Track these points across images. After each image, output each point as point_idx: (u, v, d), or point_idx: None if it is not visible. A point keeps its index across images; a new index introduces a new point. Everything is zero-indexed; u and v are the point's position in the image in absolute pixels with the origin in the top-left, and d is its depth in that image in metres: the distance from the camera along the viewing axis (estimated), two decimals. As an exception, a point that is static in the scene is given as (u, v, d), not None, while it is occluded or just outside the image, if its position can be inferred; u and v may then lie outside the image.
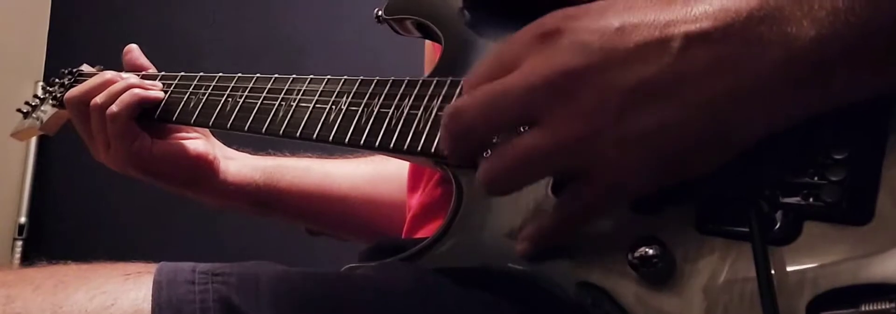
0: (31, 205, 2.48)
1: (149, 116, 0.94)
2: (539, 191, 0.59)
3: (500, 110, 0.51)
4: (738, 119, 0.48)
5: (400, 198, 0.95)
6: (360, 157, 1.06)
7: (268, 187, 1.01)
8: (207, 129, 1.01)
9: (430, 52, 0.94)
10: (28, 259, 2.44)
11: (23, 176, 2.48)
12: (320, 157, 1.05)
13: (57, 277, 0.58)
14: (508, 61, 0.52)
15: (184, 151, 0.97)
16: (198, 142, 0.99)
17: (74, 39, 2.57)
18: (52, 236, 2.48)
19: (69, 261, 0.62)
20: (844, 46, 0.45)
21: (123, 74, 0.99)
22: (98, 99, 0.95)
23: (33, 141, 2.49)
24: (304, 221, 1.05)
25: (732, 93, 0.47)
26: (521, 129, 0.52)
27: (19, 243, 2.44)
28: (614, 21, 0.50)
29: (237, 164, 1.01)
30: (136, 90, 0.94)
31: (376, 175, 1.03)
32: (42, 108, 1.10)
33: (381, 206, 1.01)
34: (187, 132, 1.00)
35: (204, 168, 0.98)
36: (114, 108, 0.93)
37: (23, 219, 2.46)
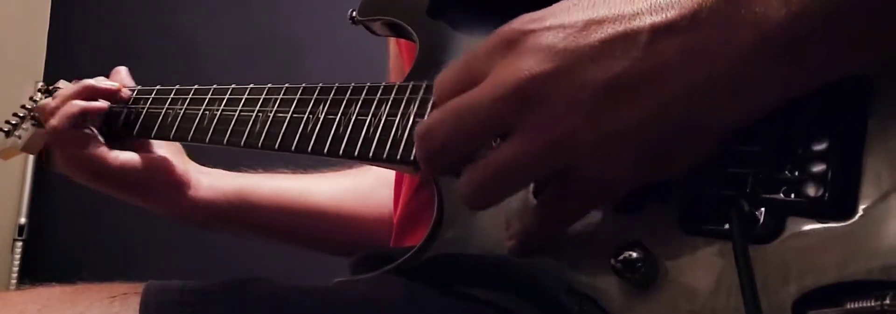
0: (31, 206, 2.48)
1: (128, 132, 0.94)
2: (521, 193, 0.58)
3: (471, 124, 0.50)
4: (715, 106, 0.47)
5: (379, 211, 0.95)
6: (336, 171, 1.05)
7: (241, 202, 0.99)
8: (180, 146, 1.01)
9: (395, 48, 0.93)
10: (28, 259, 2.45)
11: (23, 176, 2.48)
12: (295, 172, 1.04)
13: (41, 301, 0.58)
14: (475, 72, 0.51)
15: (149, 162, 0.96)
16: (166, 155, 0.98)
17: (74, 39, 2.56)
18: (52, 236, 2.49)
19: (54, 283, 0.62)
20: (818, 21, 0.44)
21: (88, 81, 0.98)
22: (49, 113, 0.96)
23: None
24: (279, 237, 1.04)
25: (707, 80, 0.46)
26: (494, 142, 0.51)
27: (19, 243, 2.45)
28: (577, 19, 0.49)
29: (209, 179, 1.00)
30: (75, 102, 0.94)
31: (354, 189, 1.02)
32: (23, 126, 1.08)
33: (360, 220, 1.00)
34: (158, 147, 0.99)
35: (172, 180, 0.97)
36: (53, 121, 0.94)
37: (23, 220, 2.46)
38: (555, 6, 0.51)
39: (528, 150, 0.49)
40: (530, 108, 0.48)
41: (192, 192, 0.97)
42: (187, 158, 1.01)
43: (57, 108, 0.95)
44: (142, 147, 0.98)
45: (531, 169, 0.50)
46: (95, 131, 0.95)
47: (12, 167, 2.47)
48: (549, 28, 0.49)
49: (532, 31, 0.50)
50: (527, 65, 0.48)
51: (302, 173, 1.04)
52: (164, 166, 0.96)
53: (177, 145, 1.00)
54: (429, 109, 0.64)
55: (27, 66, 2.48)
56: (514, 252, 0.56)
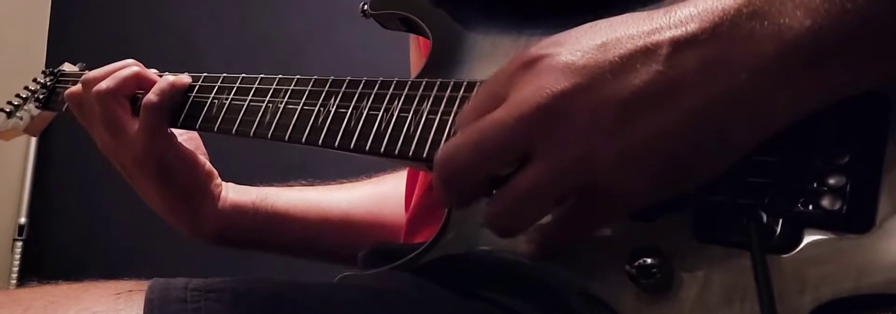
0: (31, 206, 2.48)
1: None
2: None
3: (494, 146, 0.49)
4: (736, 119, 0.46)
5: (402, 215, 0.92)
6: (354, 181, 1.03)
7: (265, 210, 0.95)
8: (205, 152, 0.95)
9: (415, 42, 0.92)
10: (28, 259, 2.45)
11: (23, 176, 2.49)
12: (311, 183, 1.02)
13: (47, 298, 0.58)
14: (496, 94, 0.51)
15: (198, 163, 0.92)
16: (206, 158, 0.94)
17: (74, 39, 2.57)
18: (52, 236, 2.49)
19: (60, 280, 0.62)
20: (841, 34, 0.44)
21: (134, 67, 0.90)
22: (114, 85, 0.87)
23: (33, 141, 2.49)
24: (304, 245, 0.99)
25: (728, 93, 0.46)
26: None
27: (19, 243, 2.44)
28: (596, 39, 0.49)
29: (232, 189, 0.96)
30: (168, 76, 0.87)
31: (375, 194, 1.00)
32: (25, 107, 1.08)
33: (385, 225, 0.98)
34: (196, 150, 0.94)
35: (210, 184, 0.92)
36: (152, 96, 0.84)
37: (23, 220, 2.46)
38: (573, 30, 0.51)
39: (551, 172, 0.48)
40: (552, 125, 0.48)
41: (220, 202, 0.93)
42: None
43: (151, 81, 0.87)
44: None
45: (556, 189, 0.49)
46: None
47: (12, 167, 2.48)
48: (567, 49, 0.49)
49: (552, 52, 0.49)
50: (547, 82, 0.48)
51: (319, 184, 1.02)
52: (207, 167, 0.92)
53: (203, 150, 0.95)
54: (442, 107, 0.63)
55: (27, 65, 2.48)
56: (530, 256, 0.55)
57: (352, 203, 0.99)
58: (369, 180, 1.03)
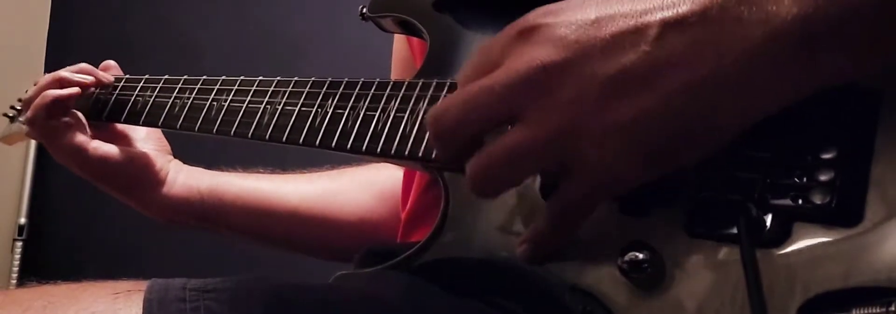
0: (31, 206, 2.48)
1: (115, 118, 0.95)
2: (527, 191, 0.58)
3: (481, 108, 0.51)
4: (721, 101, 0.47)
5: (355, 213, 0.95)
6: (315, 171, 1.04)
7: (212, 200, 0.99)
8: (166, 144, 1.02)
9: (403, 44, 0.93)
10: (28, 259, 2.44)
11: (23, 176, 2.48)
12: (273, 171, 1.04)
13: (46, 298, 0.58)
14: (491, 60, 0.52)
15: (127, 157, 0.96)
16: (148, 151, 0.99)
17: (74, 39, 2.56)
18: (52, 236, 2.49)
19: (59, 280, 0.62)
20: (830, 21, 0.45)
21: (61, 72, 0.98)
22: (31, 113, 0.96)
23: (33, 142, 2.49)
24: (250, 236, 1.03)
25: (713, 75, 0.46)
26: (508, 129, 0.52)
27: (19, 244, 2.44)
28: (591, 14, 0.50)
29: (184, 177, 1.00)
30: (48, 92, 0.95)
31: (328, 190, 1.02)
32: (27, 112, 1.09)
33: (333, 222, 1.00)
34: (143, 143, 1.00)
35: (147, 176, 0.97)
36: (29, 112, 0.96)
37: (23, 220, 2.46)
38: (570, 1, 0.52)
39: (534, 136, 0.49)
40: (539, 95, 0.49)
41: (165, 189, 0.98)
42: (171, 156, 1.02)
43: (31, 99, 0.96)
44: (125, 141, 0.99)
45: (536, 155, 0.50)
46: (83, 119, 0.95)
47: (12, 167, 2.48)
48: (562, 21, 0.50)
49: (547, 23, 0.50)
50: (539, 54, 0.49)
51: (280, 173, 1.04)
52: (142, 161, 0.97)
53: (163, 143, 1.01)
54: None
55: (27, 65, 2.48)
56: (526, 257, 0.56)
57: (302, 198, 1.00)
58: (328, 173, 1.04)
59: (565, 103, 0.48)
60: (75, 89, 0.95)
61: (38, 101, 0.95)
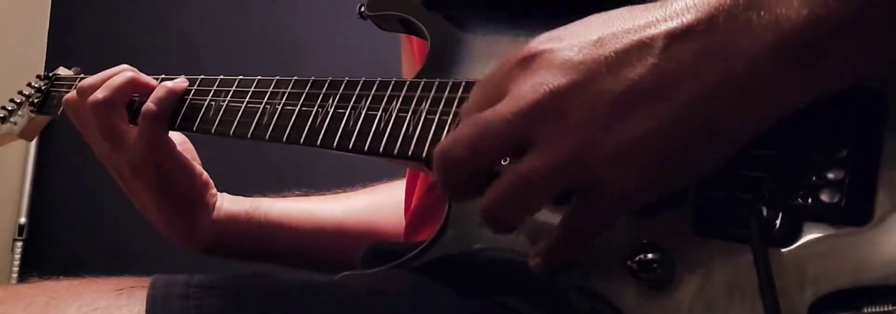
0: (31, 205, 2.48)
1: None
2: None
3: (492, 138, 0.50)
4: (732, 110, 0.46)
5: (402, 223, 0.90)
6: (349, 191, 1.03)
7: (259, 218, 0.94)
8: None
9: (407, 44, 0.92)
10: (28, 259, 2.44)
11: (23, 176, 2.48)
12: (307, 193, 1.01)
13: (48, 294, 0.58)
14: (495, 90, 0.51)
15: (194, 171, 0.90)
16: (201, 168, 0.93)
17: (74, 39, 2.56)
18: (52, 236, 2.48)
19: (61, 277, 0.62)
20: (838, 23, 0.44)
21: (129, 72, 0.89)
22: (109, 95, 0.86)
23: (33, 141, 2.49)
24: (299, 254, 0.97)
25: (724, 84, 0.46)
26: (504, 162, 0.51)
27: (19, 243, 2.44)
28: (593, 34, 0.49)
29: (228, 200, 0.95)
30: (166, 83, 0.86)
31: (370, 204, 0.99)
32: (18, 112, 1.07)
33: (380, 234, 0.97)
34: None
35: (206, 194, 0.91)
36: (151, 105, 0.84)
37: (23, 220, 2.46)
38: (571, 25, 0.51)
39: (546, 164, 0.48)
40: (548, 121, 0.48)
41: (214, 212, 0.92)
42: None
43: (143, 87, 0.86)
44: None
45: (551, 182, 0.49)
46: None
47: (12, 167, 2.47)
48: (565, 45, 0.49)
49: (548, 49, 0.50)
50: (545, 79, 0.48)
51: (314, 194, 1.01)
52: (204, 178, 0.91)
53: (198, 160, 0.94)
54: (441, 107, 0.63)
55: (27, 64, 2.48)
56: (541, 271, 0.54)
57: (346, 213, 0.98)
58: (364, 190, 1.02)
59: (577, 125, 0.47)
60: (184, 81, 0.86)
61: (159, 91, 0.84)
